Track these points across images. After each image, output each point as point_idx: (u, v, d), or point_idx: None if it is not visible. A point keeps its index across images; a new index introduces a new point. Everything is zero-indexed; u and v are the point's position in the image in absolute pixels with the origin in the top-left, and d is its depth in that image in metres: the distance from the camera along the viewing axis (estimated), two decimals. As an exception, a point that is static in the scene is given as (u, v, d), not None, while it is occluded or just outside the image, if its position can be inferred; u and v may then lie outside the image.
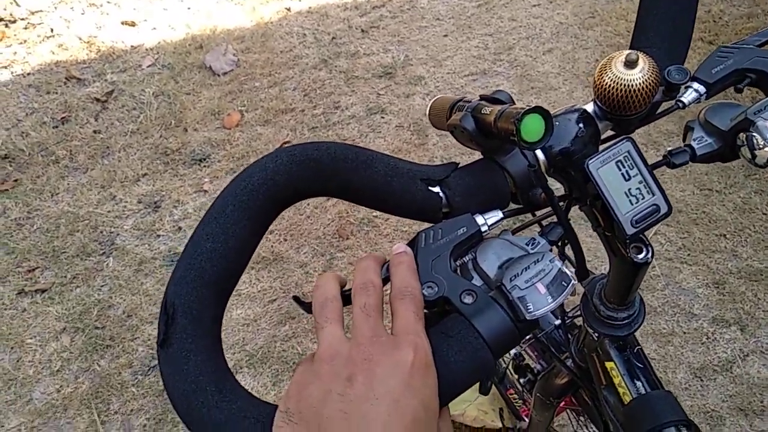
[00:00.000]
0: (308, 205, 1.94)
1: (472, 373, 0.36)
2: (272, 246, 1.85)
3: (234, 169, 2.08)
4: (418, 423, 0.32)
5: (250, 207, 0.39)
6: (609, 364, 0.55)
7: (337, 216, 1.90)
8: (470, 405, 1.41)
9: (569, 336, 0.66)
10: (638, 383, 0.53)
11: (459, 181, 0.43)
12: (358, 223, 1.87)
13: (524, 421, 1.16)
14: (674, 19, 0.46)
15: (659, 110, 0.46)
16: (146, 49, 2.63)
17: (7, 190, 2.09)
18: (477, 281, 0.40)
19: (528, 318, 0.36)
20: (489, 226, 0.42)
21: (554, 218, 0.42)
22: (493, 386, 1.38)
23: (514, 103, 0.41)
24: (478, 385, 0.37)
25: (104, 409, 1.55)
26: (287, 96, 2.34)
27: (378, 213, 1.90)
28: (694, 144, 0.44)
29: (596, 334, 0.56)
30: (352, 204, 1.74)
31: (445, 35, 2.48)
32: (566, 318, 0.69)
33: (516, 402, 1.24)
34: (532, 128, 0.37)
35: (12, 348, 1.69)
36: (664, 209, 0.40)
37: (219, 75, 2.47)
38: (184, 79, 2.46)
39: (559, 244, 0.42)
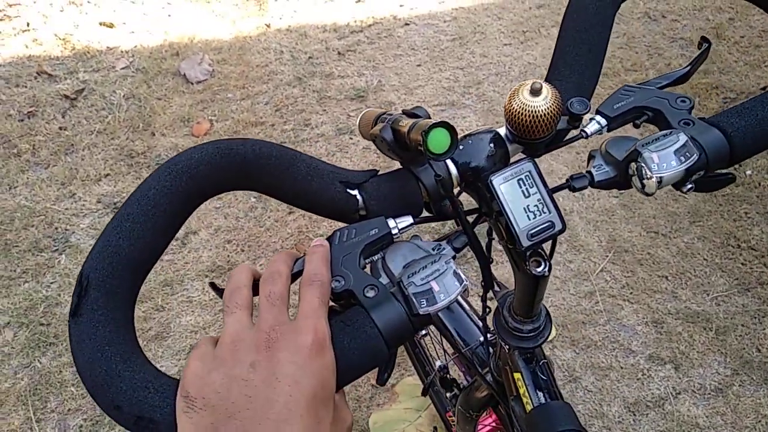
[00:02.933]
0: (269, 218, 1.96)
1: (367, 360, 0.39)
2: (229, 256, 1.86)
3: (198, 177, 2.09)
4: (317, 400, 0.35)
5: (171, 193, 0.41)
6: (516, 375, 0.58)
7: (297, 230, 1.92)
8: (410, 425, 1.43)
9: (491, 350, 0.70)
10: (540, 393, 0.56)
11: (376, 186, 0.46)
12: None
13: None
14: (584, 58, 0.51)
15: (566, 138, 0.50)
16: (122, 51, 2.64)
17: (-37, 179, 2.06)
18: (384, 279, 0.43)
19: (421, 312, 0.39)
20: (400, 230, 0.45)
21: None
22: (432, 407, 1.40)
23: (430, 118, 0.45)
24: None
25: (41, 407, 1.52)
26: (259, 109, 2.37)
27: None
28: (593, 171, 0.48)
29: (507, 347, 0.59)
30: (313, 219, 1.76)
31: (419, 65, 2.55)
32: (489, 334, 0.72)
33: (454, 424, 1.27)
34: (439, 141, 0.40)
35: (-49, 339, 1.65)
36: (558, 226, 0.44)
37: (192, 83, 2.49)
38: (156, 84, 2.47)
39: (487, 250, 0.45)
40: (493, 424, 1.10)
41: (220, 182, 0.43)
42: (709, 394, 1.47)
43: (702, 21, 2.59)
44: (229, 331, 0.38)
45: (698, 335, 1.59)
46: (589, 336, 1.63)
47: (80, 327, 0.38)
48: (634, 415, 1.48)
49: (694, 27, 2.57)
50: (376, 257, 0.44)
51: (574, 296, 1.71)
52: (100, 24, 2.80)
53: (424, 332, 0.37)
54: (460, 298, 0.87)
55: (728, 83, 2.29)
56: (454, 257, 0.42)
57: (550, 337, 1.60)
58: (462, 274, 0.40)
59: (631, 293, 1.71)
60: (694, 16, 2.64)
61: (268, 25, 2.81)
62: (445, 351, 0.93)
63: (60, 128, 2.26)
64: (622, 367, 1.57)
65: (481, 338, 0.78)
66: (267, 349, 0.36)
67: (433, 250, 0.44)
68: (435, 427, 1.31)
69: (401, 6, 2.87)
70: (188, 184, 0.41)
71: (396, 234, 0.45)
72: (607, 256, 1.80)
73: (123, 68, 2.56)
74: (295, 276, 0.44)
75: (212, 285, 0.45)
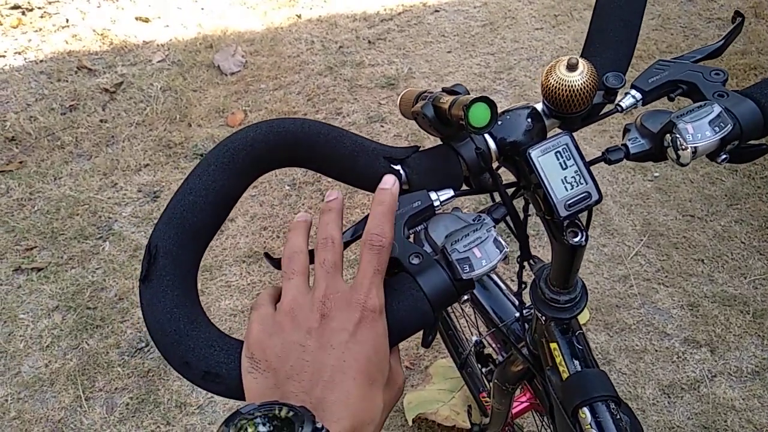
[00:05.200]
0: (303, 205, 2.00)
1: (415, 323, 0.41)
2: (265, 242, 1.90)
3: (234, 166, 2.14)
4: (370, 364, 0.38)
5: (229, 168, 0.44)
6: (553, 345, 0.60)
7: (330, 217, 1.95)
8: (444, 405, 1.46)
9: (526, 326, 0.72)
10: (576, 361, 0.58)
11: (418, 161, 0.48)
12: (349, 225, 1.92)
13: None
14: (618, 34, 0.52)
15: (602, 112, 0.52)
16: (158, 45, 2.71)
17: (11, 171, 2.15)
18: (427, 248, 0.46)
19: (464, 277, 0.42)
20: (441, 202, 0.47)
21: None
22: (465, 388, 1.42)
23: (469, 94, 0.47)
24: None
25: (89, 386, 1.59)
26: (291, 99, 2.41)
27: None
28: (628, 143, 0.49)
29: (543, 318, 0.61)
30: (347, 206, 1.80)
31: (449, 51, 2.55)
32: (524, 310, 0.74)
33: (487, 403, 1.29)
34: (479, 115, 0.42)
35: (5, 322, 1.74)
36: (595, 197, 0.46)
37: (226, 75, 2.54)
38: (192, 76, 2.53)
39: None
40: (527, 403, 1.12)
41: (274, 159, 0.46)
42: (746, 376, 1.46)
43: (740, 0, 2.53)
44: (288, 297, 0.41)
45: (735, 318, 1.58)
46: (623, 319, 1.63)
47: (150, 291, 0.41)
48: (669, 397, 1.48)
49: (731, 6, 2.51)
50: (419, 228, 0.47)
51: (608, 280, 1.71)
52: (136, 19, 2.86)
53: (466, 297, 0.38)
54: (495, 276, 0.89)
55: (767, 63, 2.24)
56: (494, 227, 0.44)
57: (583, 321, 1.61)
58: (502, 241, 0.42)
59: (666, 277, 1.70)
60: (732, -5, 2.58)
61: (299, 16, 2.84)
62: (479, 330, 0.95)
63: (101, 121, 2.34)
64: (656, 350, 1.57)
65: (517, 314, 0.80)
66: (322, 317, 0.39)
67: (474, 220, 0.46)
68: (469, 406, 1.33)
69: (431, -7, 2.87)
70: (245, 160, 0.44)
71: (437, 206, 0.47)
72: (641, 240, 1.79)
73: (159, 61, 2.62)
74: (350, 241, 0.46)
75: (266, 255, 0.48)
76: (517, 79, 2.37)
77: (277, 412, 0.32)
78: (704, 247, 1.76)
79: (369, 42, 2.66)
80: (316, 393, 0.36)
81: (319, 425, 0.31)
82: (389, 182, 0.44)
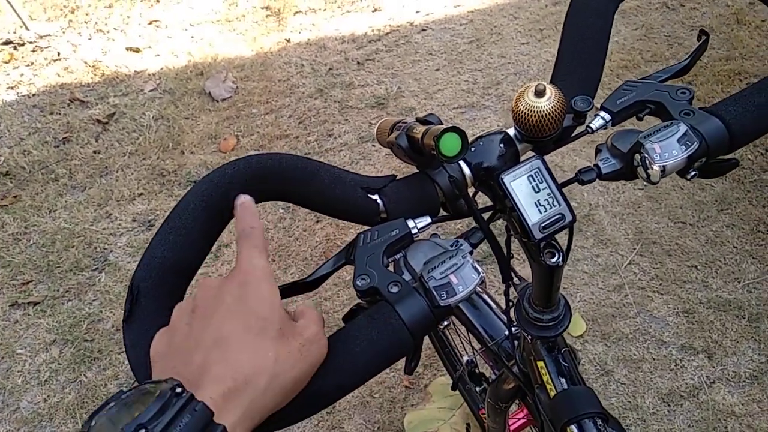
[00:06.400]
0: (297, 227, 2.01)
1: (394, 350, 0.42)
2: (260, 266, 1.90)
3: (227, 191, 2.15)
4: (251, 314, 0.37)
5: (208, 206, 0.45)
6: (539, 363, 0.60)
7: (325, 239, 1.96)
8: (444, 423, 1.45)
9: (516, 343, 0.72)
10: (562, 379, 0.58)
11: (395, 190, 0.49)
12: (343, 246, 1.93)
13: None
14: (585, 59, 0.54)
15: (573, 134, 0.53)
16: (149, 75, 2.73)
17: (6, 205, 2.16)
18: (406, 276, 0.46)
19: (442, 304, 0.42)
20: (419, 229, 0.48)
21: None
22: (465, 406, 1.42)
23: (442, 124, 0.48)
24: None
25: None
26: (283, 123, 2.43)
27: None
28: (600, 164, 0.51)
29: (529, 337, 0.62)
30: (340, 227, 1.81)
31: (437, 69, 2.58)
32: (513, 327, 0.75)
33: (487, 419, 1.29)
34: (450, 145, 0.43)
35: (2, 358, 1.73)
36: (568, 218, 0.47)
37: (218, 101, 2.56)
38: (183, 104, 2.55)
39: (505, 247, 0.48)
40: (524, 419, 1.12)
41: (251, 194, 0.47)
42: (744, 381, 1.46)
43: (722, 8, 2.57)
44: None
45: (731, 323, 1.58)
46: (620, 329, 1.63)
47: (133, 332, 0.42)
48: (669, 405, 1.48)
49: (713, 14, 2.55)
50: (398, 256, 0.47)
51: (603, 290, 1.72)
52: (127, 49, 2.90)
53: (446, 323, 0.39)
54: (484, 295, 0.90)
55: (751, 68, 2.27)
56: (471, 252, 0.45)
57: (580, 332, 1.62)
58: (479, 267, 0.43)
59: (660, 284, 1.71)
60: (714, 3, 2.61)
61: (288, 40, 2.88)
62: (473, 347, 0.96)
63: (94, 152, 2.35)
64: (654, 359, 1.57)
65: (507, 332, 0.80)
66: (213, 298, 0.39)
67: (451, 246, 0.47)
68: (468, 424, 1.33)
69: (417, 12, 2.90)
70: (223, 197, 0.45)
71: (415, 233, 0.48)
72: (634, 249, 1.80)
73: (151, 90, 2.64)
74: (332, 271, 0.48)
75: None
76: (505, 93, 2.39)
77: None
78: (697, 253, 1.76)
79: (358, 63, 2.68)
80: (196, 361, 0.35)
81: (185, 394, 0.30)
82: (241, 199, 0.45)
